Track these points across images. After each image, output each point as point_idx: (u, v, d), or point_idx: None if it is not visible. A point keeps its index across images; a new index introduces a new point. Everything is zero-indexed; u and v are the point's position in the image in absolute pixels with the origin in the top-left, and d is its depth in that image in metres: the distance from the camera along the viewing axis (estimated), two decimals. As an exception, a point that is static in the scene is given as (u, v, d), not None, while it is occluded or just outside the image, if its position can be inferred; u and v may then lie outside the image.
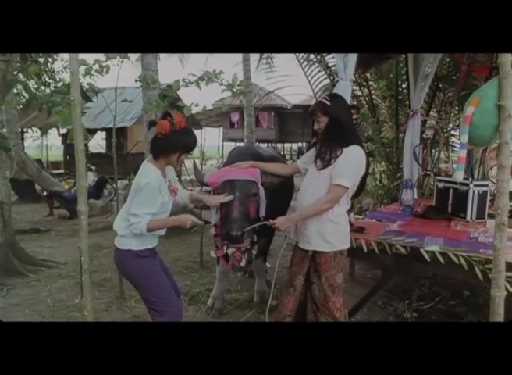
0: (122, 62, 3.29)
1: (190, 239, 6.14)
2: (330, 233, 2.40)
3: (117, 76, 3.43)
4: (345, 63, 2.81)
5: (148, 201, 2.21)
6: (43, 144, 18.58)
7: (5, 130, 10.82)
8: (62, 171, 14.62)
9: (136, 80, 3.76)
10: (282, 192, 2.96)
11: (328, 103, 2.38)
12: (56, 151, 18.83)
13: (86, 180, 6.87)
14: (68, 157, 14.86)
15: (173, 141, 2.24)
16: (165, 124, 2.19)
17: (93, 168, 9.46)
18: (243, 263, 2.75)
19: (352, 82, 2.89)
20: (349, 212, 2.68)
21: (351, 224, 2.71)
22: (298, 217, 2.47)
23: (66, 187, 8.98)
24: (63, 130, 12.36)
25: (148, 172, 2.26)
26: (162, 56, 12.73)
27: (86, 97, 3.88)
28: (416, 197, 4.43)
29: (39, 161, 12.18)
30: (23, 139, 13.56)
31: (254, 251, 3.84)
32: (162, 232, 2.43)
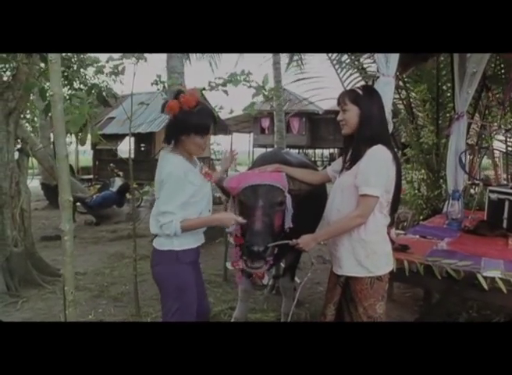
0: (137, 62, 3.05)
1: (215, 249, 5.85)
2: (364, 255, 2.03)
3: (133, 77, 3.18)
4: (387, 56, 2.45)
5: (176, 192, 1.96)
6: (77, 150, 18.81)
7: (34, 136, 10.99)
8: (91, 176, 14.72)
9: (152, 84, 3.51)
10: (312, 202, 2.61)
11: (360, 92, 2.07)
12: (89, 157, 19.05)
13: (112, 186, 6.64)
14: (97, 162, 14.96)
15: (181, 121, 2.01)
16: (172, 105, 1.97)
17: (120, 174, 9.34)
18: (265, 281, 2.44)
19: (394, 78, 2.53)
20: (390, 227, 2.32)
21: (392, 242, 2.33)
22: (325, 236, 2.13)
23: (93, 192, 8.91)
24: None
25: (168, 160, 2.01)
26: (192, 60, 12.60)
27: (105, 101, 3.67)
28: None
29: (69, 166, 12.25)
30: (54, 144, 13.68)
31: (282, 264, 3.52)
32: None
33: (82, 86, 12.52)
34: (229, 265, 2.47)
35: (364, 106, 2.03)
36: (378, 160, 1.97)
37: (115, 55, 3.07)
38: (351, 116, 2.05)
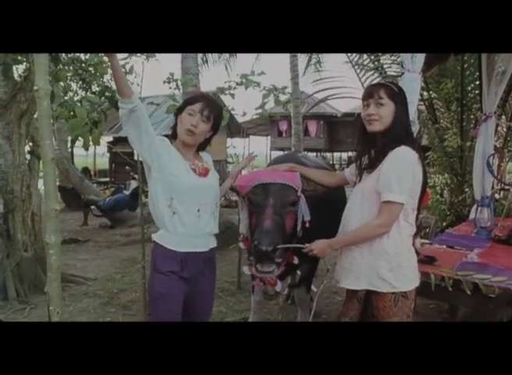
0: (147, 59, 2.92)
1: (229, 255, 5.69)
2: (388, 269, 1.84)
3: (142, 76, 3.05)
4: (412, 51, 2.27)
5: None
6: (94, 152, 18.89)
7: (54, 139, 11.03)
8: (108, 179, 14.73)
9: (164, 82, 3.38)
10: (329, 206, 2.44)
11: (395, 88, 1.88)
12: (107, 159, 19.13)
13: (128, 189, 6.57)
14: (113, 165, 14.95)
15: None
16: None
17: (136, 176, 9.29)
18: (278, 288, 2.27)
19: (421, 75, 2.33)
20: (415, 236, 2.11)
21: (417, 253, 2.13)
22: (342, 243, 1.94)
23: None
24: (109, 138, 12.39)
25: None
26: (208, 63, 12.58)
27: (116, 105, 3.55)
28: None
29: (86, 169, 12.28)
30: (72, 147, 13.75)
31: (298, 272, 3.32)
32: (213, 229, 2.03)
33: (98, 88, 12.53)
34: (246, 269, 2.31)
35: (399, 104, 1.86)
36: (402, 163, 1.78)
37: (121, 55, 2.96)
38: (388, 111, 1.84)
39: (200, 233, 1.97)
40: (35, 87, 1.21)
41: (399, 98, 1.87)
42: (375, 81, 5.88)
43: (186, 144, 1.98)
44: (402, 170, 1.78)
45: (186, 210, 1.91)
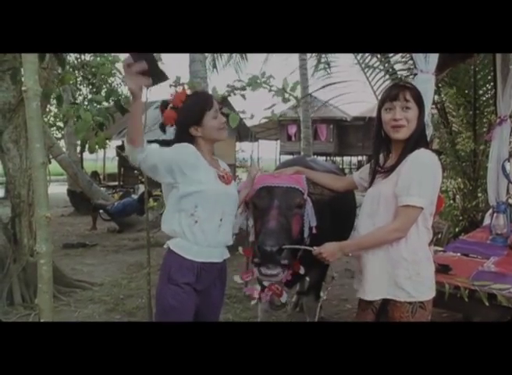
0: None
1: (237, 260, 5.58)
2: (405, 276, 1.73)
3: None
4: (426, 51, 2.18)
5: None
6: (104, 156, 18.94)
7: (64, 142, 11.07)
8: (116, 183, 14.73)
9: (170, 85, 3.32)
10: (338, 211, 2.35)
11: (418, 91, 1.80)
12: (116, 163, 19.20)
13: (136, 193, 6.53)
14: (122, 169, 14.93)
15: (183, 116, 1.91)
16: (167, 114, 1.92)
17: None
18: (284, 299, 2.20)
19: (434, 75, 2.24)
20: (430, 243, 2.02)
21: (432, 261, 2.03)
22: (354, 247, 1.84)
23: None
24: (118, 142, 12.34)
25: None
26: (218, 67, 12.59)
27: (122, 109, 3.51)
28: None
29: (95, 173, 12.31)
30: (82, 152, 13.81)
31: (307, 279, 3.24)
32: (230, 241, 1.97)
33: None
34: (237, 278, 2.26)
35: (422, 107, 1.77)
36: (423, 166, 1.70)
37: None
38: (414, 116, 1.74)
39: (219, 244, 1.92)
40: (23, 88, 1.14)
41: (421, 100, 1.78)
42: (385, 84, 5.80)
43: (219, 140, 1.97)
44: (423, 173, 1.69)
45: (209, 218, 1.86)
